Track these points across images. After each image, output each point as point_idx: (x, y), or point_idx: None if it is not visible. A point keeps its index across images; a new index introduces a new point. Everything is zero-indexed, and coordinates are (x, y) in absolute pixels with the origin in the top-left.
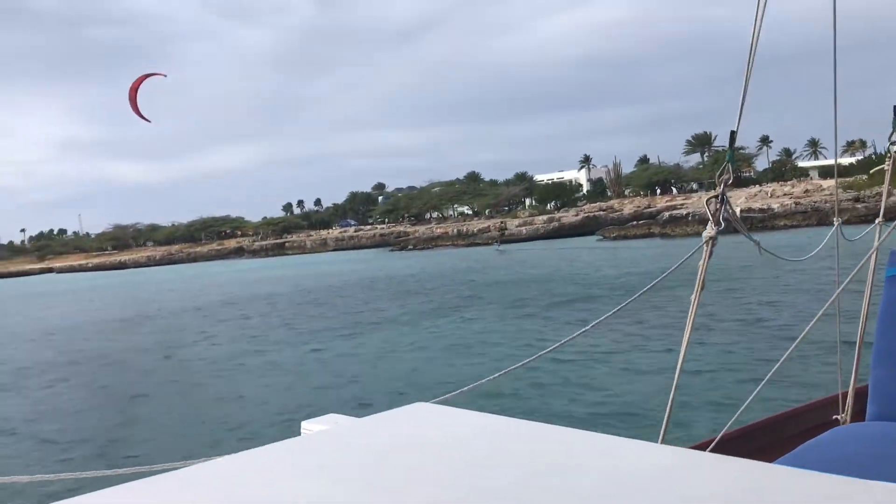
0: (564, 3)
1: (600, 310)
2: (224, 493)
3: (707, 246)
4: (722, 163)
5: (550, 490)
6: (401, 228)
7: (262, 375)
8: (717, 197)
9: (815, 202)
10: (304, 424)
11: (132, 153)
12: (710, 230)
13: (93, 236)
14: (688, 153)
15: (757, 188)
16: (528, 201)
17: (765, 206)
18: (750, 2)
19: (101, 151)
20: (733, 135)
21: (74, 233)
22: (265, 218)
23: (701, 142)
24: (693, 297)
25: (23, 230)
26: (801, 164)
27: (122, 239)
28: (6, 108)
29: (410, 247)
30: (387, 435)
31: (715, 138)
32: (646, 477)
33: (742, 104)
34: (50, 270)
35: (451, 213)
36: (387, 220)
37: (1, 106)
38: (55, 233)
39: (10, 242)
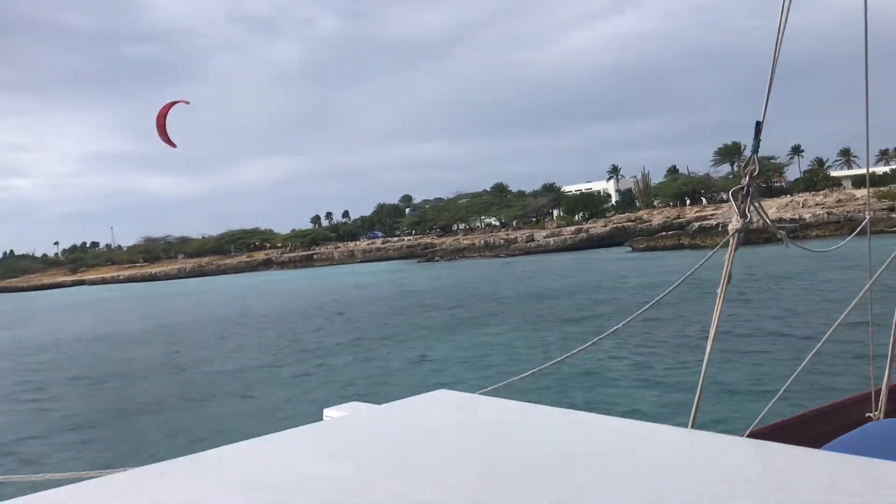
0: (593, 15)
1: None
2: (246, 475)
3: (733, 239)
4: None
5: (578, 473)
6: (428, 240)
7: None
8: (742, 189)
9: (848, 212)
10: (327, 411)
11: (164, 167)
12: (735, 222)
13: (125, 249)
14: (717, 164)
15: (788, 198)
16: (555, 212)
17: (796, 217)
18: (775, 10)
19: (133, 165)
20: (759, 125)
21: (107, 245)
22: (294, 230)
23: (731, 152)
24: (720, 289)
25: (56, 243)
26: (833, 173)
27: (153, 251)
28: (42, 124)
29: (437, 258)
30: (407, 419)
31: (744, 148)
32: (682, 460)
33: (768, 94)
34: (82, 283)
35: (478, 224)
36: (414, 231)
37: (37, 121)
38: (88, 245)
39: (44, 255)
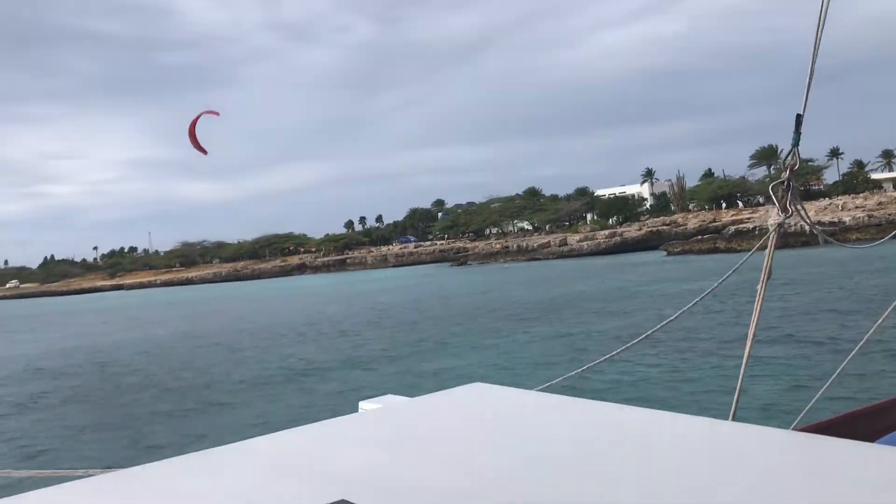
0: (624, 17)
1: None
2: (279, 462)
3: (773, 234)
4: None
5: (614, 463)
6: (460, 244)
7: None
8: (783, 183)
9: (890, 214)
10: (362, 404)
11: (200, 173)
12: (776, 217)
13: (162, 253)
14: (753, 166)
15: (826, 201)
16: (589, 216)
17: (835, 220)
18: (813, 9)
19: (170, 171)
20: (799, 118)
21: (144, 250)
22: (327, 235)
23: (767, 154)
24: (759, 285)
25: (95, 248)
26: (874, 176)
27: (190, 256)
28: (80, 131)
29: (469, 262)
30: (440, 411)
31: (781, 151)
32: (727, 452)
33: (808, 86)
34: (120, 287)
35: (510, 228)
36: (446, 236)
37: (76, 129)
38: (126, 250)
39: (84, 260)
